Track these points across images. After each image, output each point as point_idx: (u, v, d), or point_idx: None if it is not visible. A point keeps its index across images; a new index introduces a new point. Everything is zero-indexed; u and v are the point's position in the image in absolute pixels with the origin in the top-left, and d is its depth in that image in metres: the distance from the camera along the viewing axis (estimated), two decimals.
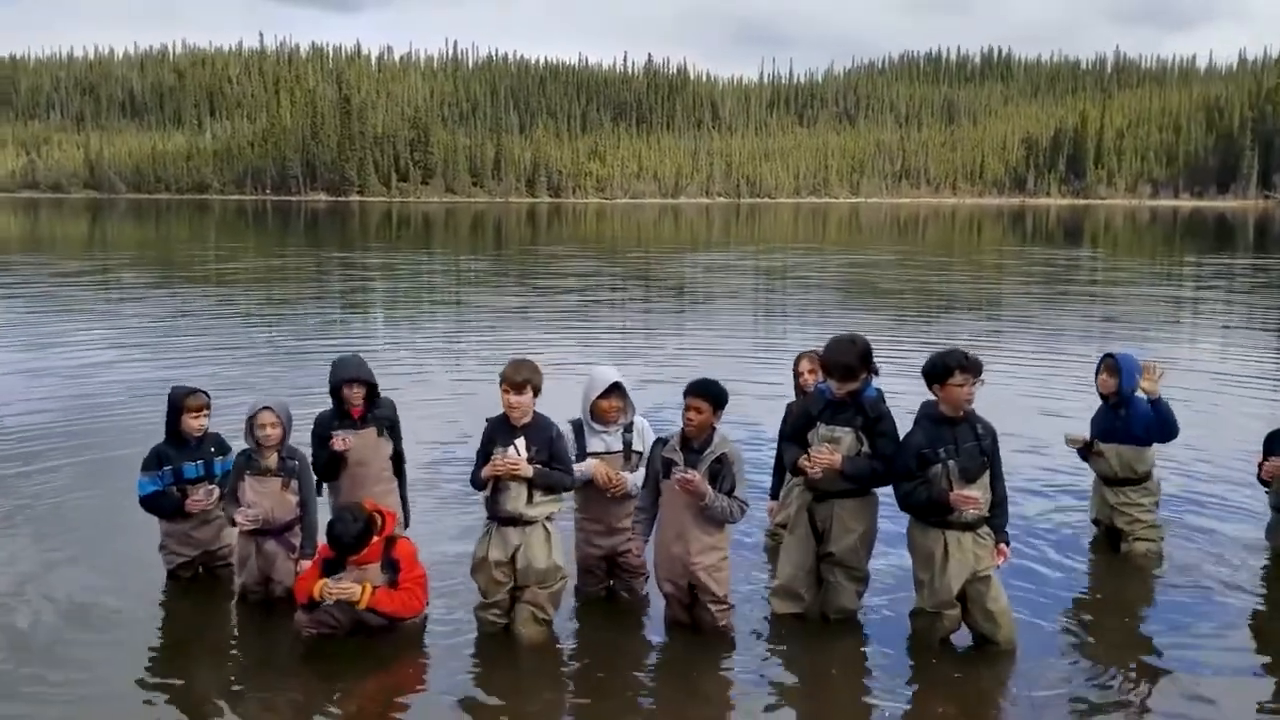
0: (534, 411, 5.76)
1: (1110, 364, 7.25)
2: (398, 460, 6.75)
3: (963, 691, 5.39)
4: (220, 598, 6.47)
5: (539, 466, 5.65)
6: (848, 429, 5.81)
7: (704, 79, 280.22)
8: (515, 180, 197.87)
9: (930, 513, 5.62)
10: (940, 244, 56.48)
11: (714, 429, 5.71)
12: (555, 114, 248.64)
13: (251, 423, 6.15)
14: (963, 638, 5.82)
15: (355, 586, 5.61)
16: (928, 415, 5.65)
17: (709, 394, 5.64)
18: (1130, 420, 7.15)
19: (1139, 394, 7.12)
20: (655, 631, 6.09)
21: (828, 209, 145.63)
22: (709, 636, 5.84)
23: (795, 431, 6.09)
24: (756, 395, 11.29)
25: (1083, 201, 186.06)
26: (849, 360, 5.78)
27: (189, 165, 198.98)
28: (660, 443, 5.86)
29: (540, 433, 5.72)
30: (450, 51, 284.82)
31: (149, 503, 6.59)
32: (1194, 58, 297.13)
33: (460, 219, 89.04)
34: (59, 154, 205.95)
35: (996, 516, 5.65)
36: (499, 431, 5.74)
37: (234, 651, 5.88)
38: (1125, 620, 6.38)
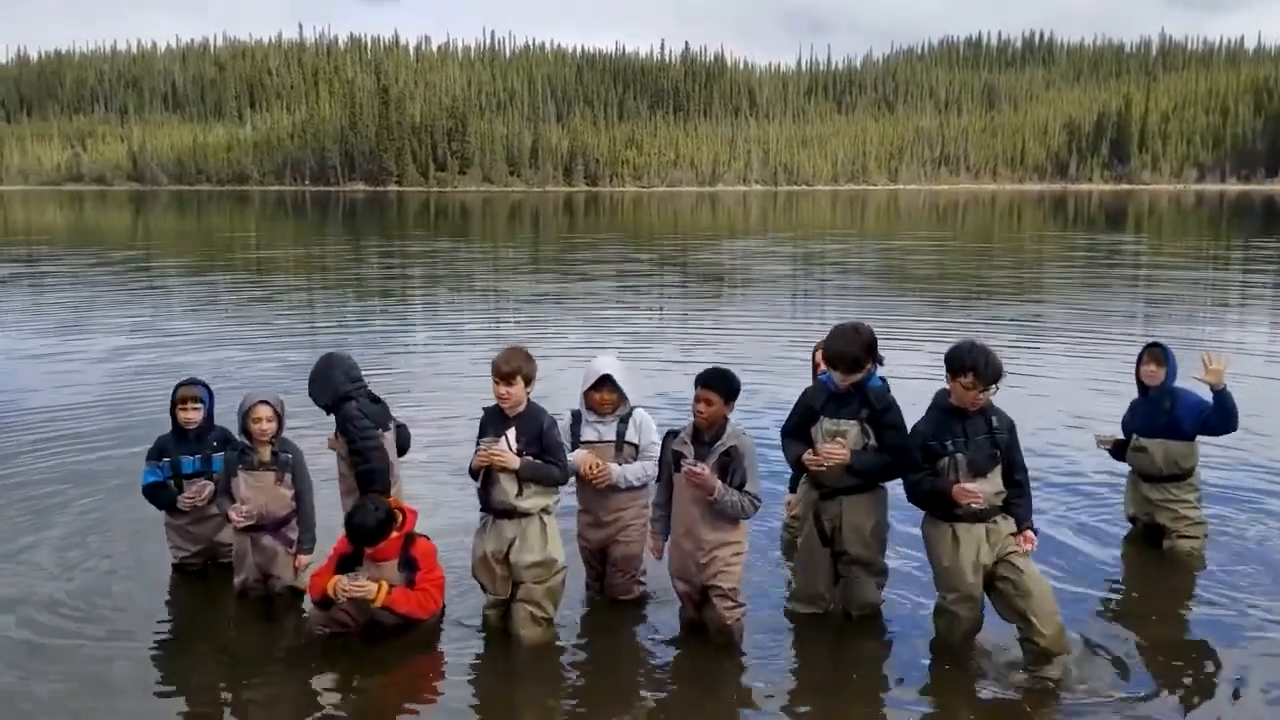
0: (528, 401, 5.59)
1: (1157, 354, 6.93)
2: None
3: (987, 695, 5.17)
4: (225, 593, 6.36)
5: (527, 458, 5.48)
6: (853, 422, 5.56)
7: (741, 66, 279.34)
8: (552, 169, 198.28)
9: (934, 505, 5.43)
10: (980, 231, 55.81)
11: (726, 420, 5.50)
12: (592, 102, 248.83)
13: (246, 416, 6.01)
14: (988, 636, 5.58)
15: (371, 584, 5.47)
16: (939, 405, 5.44)
17: (719, 385, 5.43)
18: (1177, 414, 6.82)
19: (1188, 386, 6.80)
20: (666, 632, 5.87)
21: (866, 196, 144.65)
22: (719, 636, 5.61)
23: (797, 426, 5.78)
24: (786, 383, 11.08)
25: (1126, 187, 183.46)
26: (854, 350, 5.50)
27: (229, 157, 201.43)
28: (671, 435, 5.66)
29: (531, 424, 5.54)
30: (487, 41, 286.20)
31: (148, 493, 6.58)
32: (1242, 39, 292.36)
33: (498, 208, 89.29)
34: (103, 147, 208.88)
35: (1018, 506, 5.43)
36: (491, 422, 5.60)
37: (235, 649, 5.75)
38: (1166, 621, 6.10)
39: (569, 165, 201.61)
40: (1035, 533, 5.47)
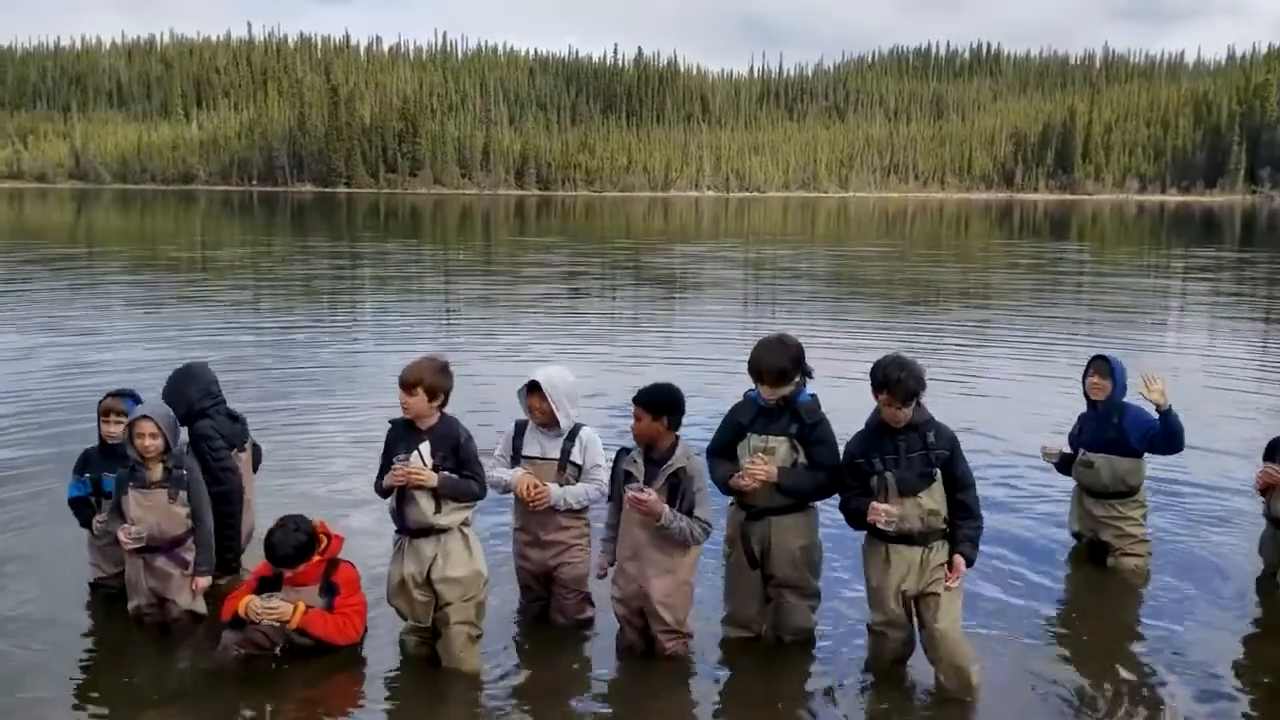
0: (441, 414, 5.31)
1: (1102, 367, 6.77)
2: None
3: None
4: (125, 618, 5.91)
5: (445, 474, 5.19)
6: (782, 438, 5.33)
7: (694, 72, 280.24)
8: (504, 172, 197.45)
9: (860, 524, 5.24)
10: (928, 238, 56.33)
11: (677, 440, 5.31)
12: (545, 105, 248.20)
13: (130, 432, 5.61)
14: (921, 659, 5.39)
15: (285, 605, 5.22)
16: (870, 422, 5.22)
17: (646, 401, 5.24)
18: (1124, 428, 6.66)
19: (1135, 401, 6.69)
20: (601, 656, 5.63)
21: (817, 203, 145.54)
22: (660, 663, 5.41)
23: (724, 444, 5.52)
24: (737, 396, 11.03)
25: (1070, 196, 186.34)
26: (780, 363, 5.28)
27: (175, 156, 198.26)
28: (624, 452, 5.43)
29: (446, 437, 5.24)
30: (439, 42, 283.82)
31: (73, 506, 6.27)
32: (1183, 53, 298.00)
33: (448, 211, 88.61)
34: (45, 145, 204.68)
35: (958, 528, 5.13)
36: (401, 436, 5.27)
37: (134, 678, 5.36)
38: (1109, 640, 5.99)
39: (520, 169, 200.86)
40: (969, 564, 5.16)
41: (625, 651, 5.59)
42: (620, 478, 5.38)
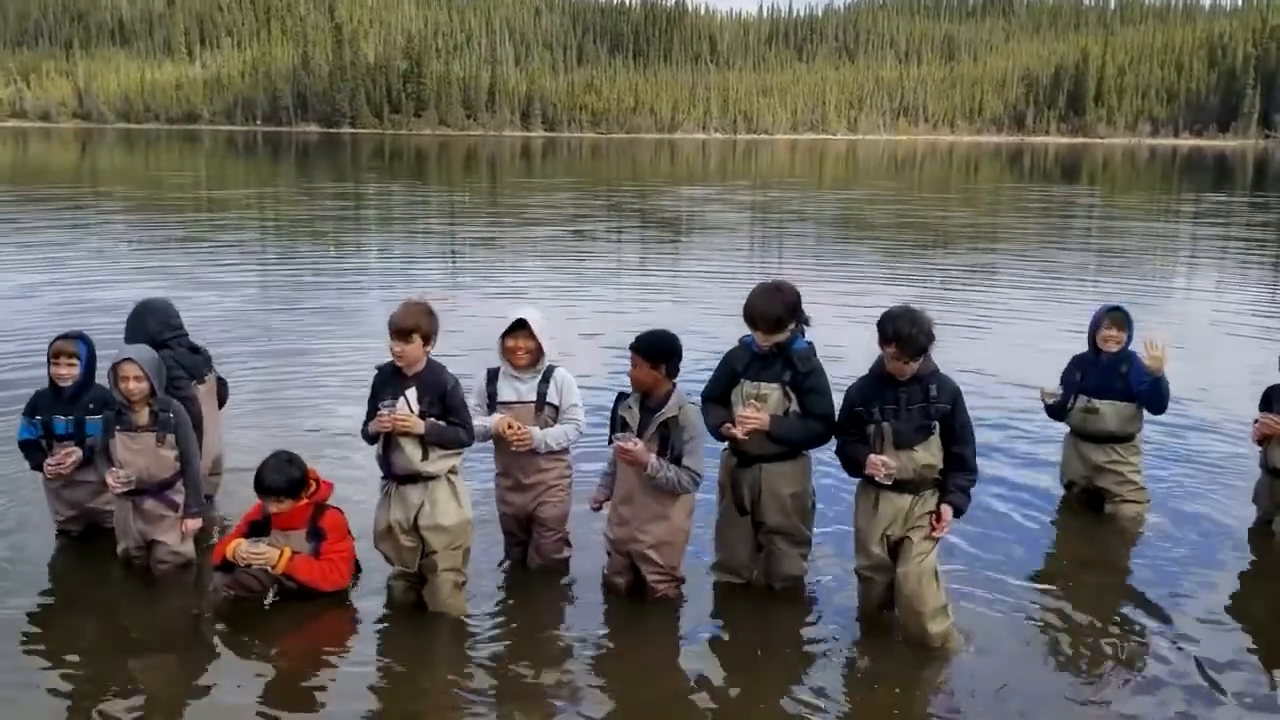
0: (428, 360, 5.23)
1: (1119, 319, 6.81)
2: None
3: (921, 670, 5.01)
4: (108, 561, 5.95)
5: (431, 420, 5.15)
6: (775, 385, 5.30)
7: (702, 11, 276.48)
8: (510, 113, 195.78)
9: (855, 471, 5.23)
10: (937, 182, 55.88)
11: (674, 387, 5.30)
12: (551, 46, 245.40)
13: (113, 375, 5.56)
14: None
15: (272, 550, 5.25)
16: (873, 370, 5.14)
17: (643, 348, 5.22)
18: (1130, 379, 6.74)
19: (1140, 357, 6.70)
20: (587, 600, 5.68)
21: (825, 146, 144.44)
22: (648, 606, 5.45)
23: (718, 390, 5.51)
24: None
25: (1081, 140, 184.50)
26: (775, 310, 5.22)
27: (179, 95, 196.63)
28: (621, 398, 5.45)
29: (433, 384, 5.18)
30: None
31: (23, 449, 6.19)
32: None
33: (454, 153, 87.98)
34: (47, 83, 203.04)
35: (949, 478, 5.07)
36: (388, 382, 5.20)
37: (122, 619, 5.43)
38: (1102, 588, 6.01)
39: (526, 110, 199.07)
40: (959, 514, 5.12)
41: (606, 589, 5.65)
42: (618, 422, 5.38)
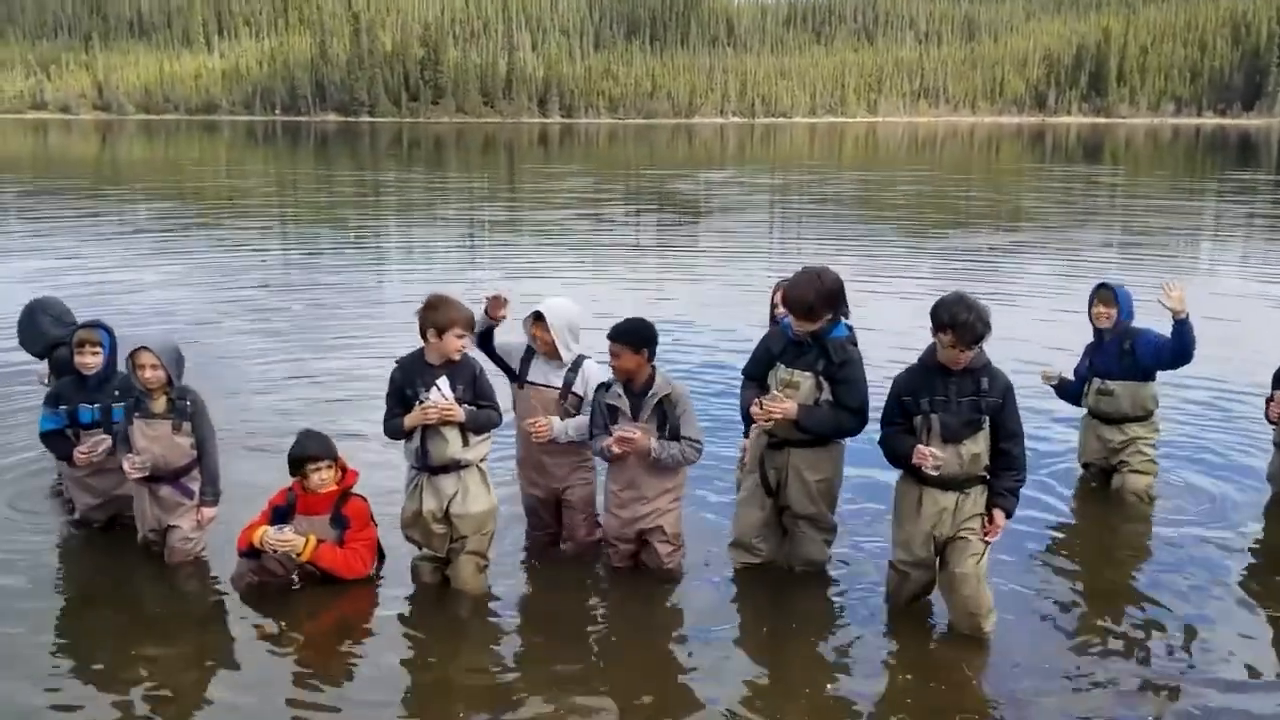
0: None
1: (1106, 295, 6.78)
2: None
3: (932, 652, 5.03)
4: (129, 549, 6.02)
5: (469, 406, 5.24)
6: (808, 374, 5.23)
7: None
8: (527, 100, 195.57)
9: (900, 464, 5.06)
10: (958, 164, 55.51)
11: (654, 370, 5.42)
12: (567, 31, 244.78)
13: (130, 363, 5.62)
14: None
15: (297, 538, 5.32)
16: (923, 360, 4.96)
17: (624, 338, 5.28)
18: (1137, 354, 6.69)
19: (1150, 317, 6.70)
20: (603, 579, 5.75)
21: (844, 129, 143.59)
22: (662, 585, 5.52)
23: (756, 370, 5.51)
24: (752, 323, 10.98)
25: (1104, 120, 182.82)
26: (808, 298, 5.11)
27: (197, 85, 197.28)
28: (603, 387, 5.50)
29: (463, 370, 5.29)
30: None
31: (46, 441, 6.20)
32: None
33: (471, 140, 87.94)
34: (67, 75, 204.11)
35: (997, 479, 4.93)
36: (416, 373, 5.27)
37: (143, 606, 5.52)
38: (1118, 566, 6.02)
39: (544, 96, 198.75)
40: (1009, 516, 4.99)
41: (615, 573, 5.72)
42: (603, 411, 5.44)
